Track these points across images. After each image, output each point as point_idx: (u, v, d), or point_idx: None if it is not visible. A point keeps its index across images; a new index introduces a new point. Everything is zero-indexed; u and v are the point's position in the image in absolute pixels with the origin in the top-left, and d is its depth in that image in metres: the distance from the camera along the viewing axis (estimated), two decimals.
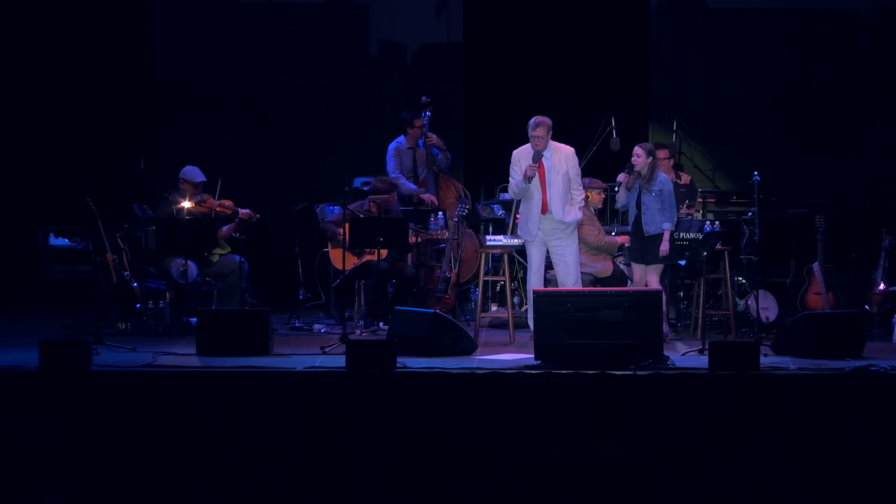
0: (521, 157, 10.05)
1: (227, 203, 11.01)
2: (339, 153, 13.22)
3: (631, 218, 10.14)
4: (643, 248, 10.08)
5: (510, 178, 10.11)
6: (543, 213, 10.00)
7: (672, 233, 10.01)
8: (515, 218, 11.39)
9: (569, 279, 9.99)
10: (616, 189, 10.09)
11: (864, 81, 13.08)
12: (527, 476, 8.19)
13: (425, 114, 11.73)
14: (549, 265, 10.20)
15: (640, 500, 8.19)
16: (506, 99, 12.86)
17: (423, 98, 11.80)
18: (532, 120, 10.00)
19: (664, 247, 10.01)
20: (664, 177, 10.22)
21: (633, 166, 10.04)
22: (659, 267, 10.10)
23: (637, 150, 10.07)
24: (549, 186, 9.97)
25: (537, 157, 9.94)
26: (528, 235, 10.06)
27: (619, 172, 10.11)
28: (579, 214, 10.09)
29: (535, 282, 10.02)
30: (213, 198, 10.93)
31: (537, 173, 9.95)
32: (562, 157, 10.01)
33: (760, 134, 13.18)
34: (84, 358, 8.46)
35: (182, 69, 13.33)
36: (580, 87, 12.67)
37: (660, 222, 10.03)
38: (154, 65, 13.29)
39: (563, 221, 9.99)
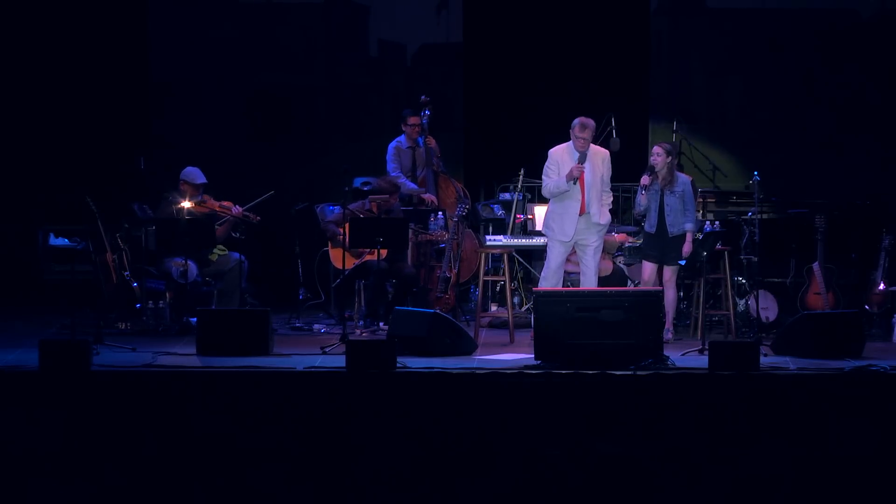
0: (561, 156, 9.91)
1: (227, 204, 11.02)
2: (339, 153, 13.22)
3: (652, 219, 10.09)
4: (664, 249, 10.06)
5: (545, 177, 9.94)
6: (581, 215, 9.92)
7: (694, 233, 10.04)
8: (516, 218, 11.40)
9: (590, 278, 9.93)
10: (644, 191, 9.99)
11: (863, 81, 13.07)
12: (527, 476, 8.19)
13: (424, 113, 11.73)
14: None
15: (640, 500, 8.19)
16: (506, 99, 12.86)
17: (423, 97, 11.80)
18: (578, 121, 9.82)
19: (687, 247, 10.01)
20: (685, 177, 10.23)
21: (653, 167, 10.02)
22: (675, 267, 10.10)
23: (656, 149, 10.06)
24: (589, 188, 9.88)
25: (583, 159, 9.81)
26: (564, 236, 9.91)
27: (641, 175, 10.07)
28: (609, 217, 10.06)
29: (554, 281, 9.92)
30: (214, 199, 10.95)
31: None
32: (599, 160, 9.93)
33: (760, 134, 13.18)
34: (84, 358, 8.46)
35: (182, 69, 13.33)
36: (580, 87, 12.66)
37: (682, 223, 10.03)
38: (154, 65, 13.29)
39: (599, 223, 9.95)
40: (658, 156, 10.02)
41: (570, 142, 9.87)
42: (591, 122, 9.88)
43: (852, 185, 12.51)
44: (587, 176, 9.86)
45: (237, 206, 11.00)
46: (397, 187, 11.09)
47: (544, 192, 10.08)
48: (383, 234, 10.21)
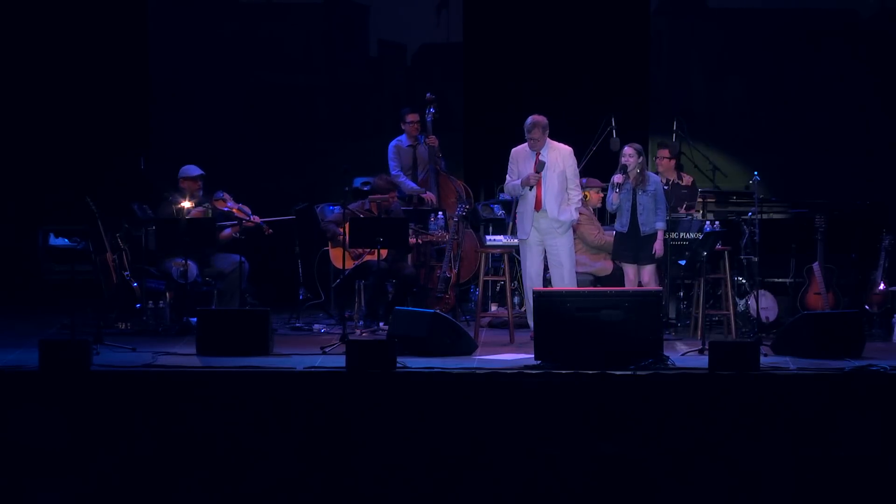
0: (520, 156, 10.05)
1: (246, 209, 11.00)
2: (339, 153, 13.21)
3: (624, 218, 10.12)
4: (637, 248, 10.08)
5: (507, 176, 10.11)
6: (537, 211, 9.98)
7: (665, 232, 10.05)
8: (515, 218, 11.39)
9: (563, 280, 9.97)
10: (617, 190, 10.05)
11: (863, 81, 13.08)
12: (527, 476, 8.18)
13: (430, 110, 11.69)
14: (546, 265, 10.20)
15: (640, 500, 8.19)
16: (506, 99, 12.85)
17: (428, 95, 11.75)
18: (528, 120, 9.98)
19: (658, 245, 10.03)
20: (655, 177, 10.28)
21: (626, 167, 10.05)
22: (651, 268, 10.11)
23: (628, 150, 10.11)
24: (545, 184, 9.95)
25: (541, 167, 9.91)
26: (523, 233, 10.06)
27: (615, 174, 10.11)
28: (575, 215, 10.07)
29: (531, 283, 10.00)
30: (233, 200, 10.96)
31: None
32: (559, 156, 10.00)
33: (760, 134, 13.18)
34: (84, 358, 8.47)
35: (182, 69, 13.32)
36: (580, 87, 12.67)
37: (654, 222, 10.05)
38: (154, 65, 13.29)
39: (558, 220, 9.97)
40: (630, 157, 10.07)
41: None
42: (540, 120, 9.95)
43: (852, 186, 12.51)
44: (544, 172, 9.92)
45: (256, 216, 10.97)
46: (395, 185, 11.10)
47: (505, 191, 10.30)
48: (383, 234, 10.21)
